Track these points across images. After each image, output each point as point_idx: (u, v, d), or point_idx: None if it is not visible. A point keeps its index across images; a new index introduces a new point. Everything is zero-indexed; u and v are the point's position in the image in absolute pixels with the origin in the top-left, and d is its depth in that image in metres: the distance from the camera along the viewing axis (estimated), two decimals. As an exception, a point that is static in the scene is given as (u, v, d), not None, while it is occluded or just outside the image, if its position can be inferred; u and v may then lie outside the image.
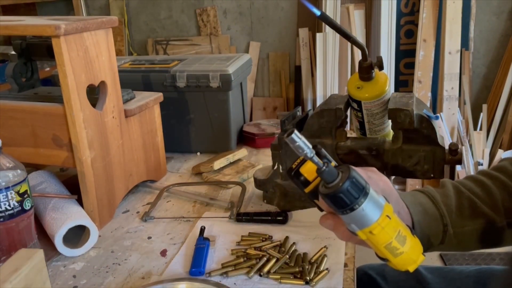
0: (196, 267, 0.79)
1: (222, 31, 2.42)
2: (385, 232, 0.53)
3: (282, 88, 2.46)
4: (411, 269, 0.56)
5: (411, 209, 0.64)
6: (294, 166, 0.60)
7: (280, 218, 0.94)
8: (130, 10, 2.53)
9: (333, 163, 0.55)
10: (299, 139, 0.51)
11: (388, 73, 2.25)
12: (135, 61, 1.44)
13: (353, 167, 0.53)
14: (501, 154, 2.31)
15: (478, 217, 0.66)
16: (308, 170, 0.59)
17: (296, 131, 0.51)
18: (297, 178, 0.59)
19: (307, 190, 0.59)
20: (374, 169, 0.64)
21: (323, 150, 0.55)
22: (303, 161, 0.60)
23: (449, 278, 0.95)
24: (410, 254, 0.55)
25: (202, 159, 1.32)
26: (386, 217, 0.53)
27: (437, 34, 2.12)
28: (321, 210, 0.61)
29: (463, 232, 0.66)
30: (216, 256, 0.85)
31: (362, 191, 0.52)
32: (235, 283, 0.77)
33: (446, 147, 0.84)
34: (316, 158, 0.52)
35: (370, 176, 0.61)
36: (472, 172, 2.19)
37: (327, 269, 0.78)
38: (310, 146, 0.52)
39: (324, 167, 0.52)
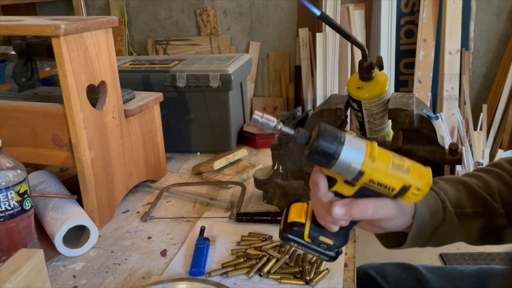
0: (196, 267, 0.79)
1: (222, 31, 2.42)
2: (382, 151, 0.54)
3: (282, 88, 2.45)
4: (430, 180, 0.55)
5: None
6: (281, 227, 0.61)
7: (280, 218, 0.94)
8: (130, 10, 2.53)
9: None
10: (260, 117, 0.53)
11: (388, 73, 2.25)
12: (135, 61, 1.44)
13: (323, 123, 0.55)
14: (501, 154, 2.31)
15: (476, 199, 0.67)
16: (295, 212, 0.61)
17: (256, 111, 0.53)
18: (292, 233, 0.60)
19: (306, 238, 0.60)
20: None
21: (286, 123, 0.58)
22: (286, 213, 0.62)
23: (449, 277, 0.95)
24: (416, 166, 0.55)
25: (202, 159, 1.32)
26: (374, 142, 0.54)
27: (437, 34, 2.12)
28: (338, 246, 0.61)
29: (463, 214, 0.66)
30: (216, 256, 0.85)
31: (338, 134, 0.53)
32: (235, 283, 0.77)
33: (446, 147, 0.84)
34: (285, 128, 0.53)
35: None
36: (472, 172, 2.18)
37: (327, 269, 0.78)
38: (275, 120, 0.53)
39: (295, 132, 0.54)
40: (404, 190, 0.55)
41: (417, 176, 0.55)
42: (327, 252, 0.61)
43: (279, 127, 0.53)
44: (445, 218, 0.65)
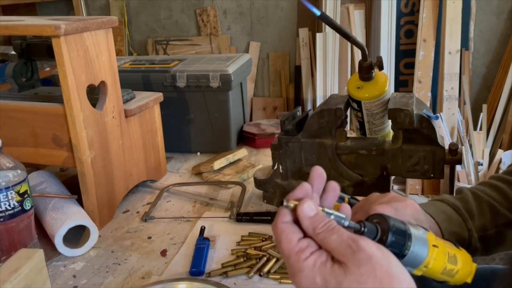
0: (196, 267, 0.79)
1: (222, 31, 2.42)
2: (438, 261, 0.53)
3: (282, 88, 2.46)
4: (469, 280, 0.57)
5: (436, 218, 0.65)
6: None
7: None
8: (130, 10, 2.53)
9: (347, 198, 0.55)
10: (330, 215, 0.48)
11: (388, 73, 2.25)
12: (135, 61, 1.44)
13: (385, 214, 0.52)
14: (501, 154, 2.30)
15: (499, 220, 0.67)
16: None
17: (326, 209, 0.48)
18: None
19: None
20: (393, 194, 0.63)
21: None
22: None
23: None
24: (464, 269, 0.56)
25: (202, 159, 1.32)
26: (433, 247, 0.53)
27: (437, 34, 2.12)
28: None
29: (487, 236, 0.67)
30: (216, 256, 0.85)
31: (406, 236, 0.51)
32: (235, 283, 0.77)
33: (446, 147, 0.84)
34: (352, 223, 0.49)
35: (397, 208, 0.60)
36: (472, 172, 2.19)
37: (327, 269, 0.78)
38: (343, 216, 0.49)
39: (362, 228, 0.50)
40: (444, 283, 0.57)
41: (462, 277, 0.56)
42: None
43: (346, 224, 0.48)
44: (470, 246, 0.66)
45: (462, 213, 0.67)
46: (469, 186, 0.76)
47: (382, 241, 0.50)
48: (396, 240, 0.50)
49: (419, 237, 0.53)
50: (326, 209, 0.48)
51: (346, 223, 0.48)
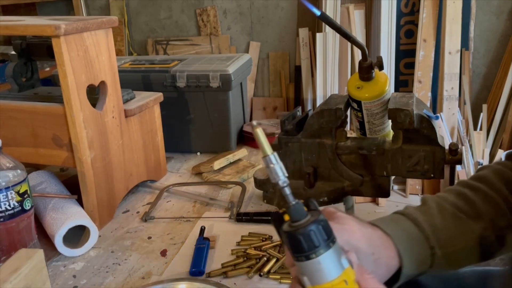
0: (196, 267, 0.79)
1: (222, 31, 2.42)
2: None
3: (282, 88, 2.46)
4: None
5: (395, 239, 0.59)
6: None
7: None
8: (130, 10, 2.53)
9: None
10: (276, 161, 0.44)
11: (388, 73, 2.25)
12: (135, 61, 1.44)
13: (325, 216, 0.47)
14: (501, 154, 2.30)
15: (466, 234, 0.63)
16: None
17: (275, 154, 0.45)
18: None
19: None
20: (341, 215, 0.57)
21: (314, 201, 0.49)
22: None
23: (448, 278, 0.95)
24: None
25: (202, 159, 1.32)
26: (344, 281, 0.46)
27: (437, 34, 2.11)
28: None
29: (453, 252, 0.63)
30: (216, 256, 0.85)
31: (326, 241, 0.45)
32: (235, 283, 0.77)
33: (446, 147, 0.84)
34: (288, 190, 0.46)
35: (344, 228, 0.54)
36: (472, 172, 2.19)
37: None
38: (286, 174, 0.45)
39: (293, 202, 0.46)
40: None
41: None
42: None
43: (283, 184, 0.45)
44: (433, 264, 0.62)
45: (424, 230, 0.62)
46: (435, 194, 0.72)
47: (300, 226, 0.45)
48: (313, 234, 0.44)
49: (338, 257, 0.46)
50: (275, 155, 0.45)
51: (283, 184, 0.45)
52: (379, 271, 0.57)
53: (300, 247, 0.45)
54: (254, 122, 0.45)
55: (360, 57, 0.84)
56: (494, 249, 0.64)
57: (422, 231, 0.62)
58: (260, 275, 0.78)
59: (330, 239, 0.46)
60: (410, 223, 0.63)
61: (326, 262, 0.45)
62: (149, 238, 0.94)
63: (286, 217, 0.48)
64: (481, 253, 0.64)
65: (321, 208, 0.51)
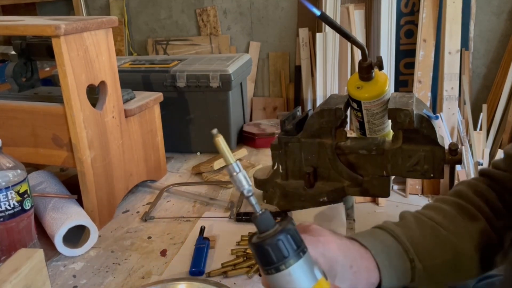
0: (196, 267, 0.79)
1: (222, 31, 2.42)
2: None
3: (282, 88, 2.46)
4: None
5: (373, 250, 0.58)
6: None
7: (280, 218, 0.94)
8: (130, 10, 2.53)
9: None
10: (239, 170, 0.43)
11: (388, 73, 2.25)
12: (135, 61, 1.44)
13: (294, 225, 0.45)
14: (501, 154, 2.30)
15: (445, 246, 0.62)
16: None
17: (238, 162, 0.44)
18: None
19: None
20: (315, 228, 0.55)
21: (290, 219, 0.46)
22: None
23: None
24: None
25: (202, 159, 1.32)
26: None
27: (437, 34, 2.11)
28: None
29: (433, 265, 0.61)
30: (216, 256, 0.85)
31: (295, 250, 0.42)
32: (235, 283, 0.77)
33: (446, 147, 0.84)
34: (253, 199, 0.44)
35: (305, 239, 0.50)
36: (471, 172, 2.19)
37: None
38: (250, 183, 0.43)
39: (260, 212, 0.44)
40: None
41: None
42: None
43: (247, 194, 0.44)
44: (414, 278, 0.60)
45: (403, 242, 0.60)
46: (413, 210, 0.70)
47: (267, 237, 0.42)
48: (282, 244, 0.42)
49: (309, 268, 0.44)
50: (238, 163, 0.44)
51: (248, 193, 0.44)
52: (359, 285, 0.55)
53: (268, 258, 0.42)
54: (214, 131, 0.43)
55: (360, 57, 0.84)
56: (473, 264, 0.63)
57: (400, 243, 0.61)
58: (260, 275, 0.78)
59: (300, 248, 0.43)
60: (389, 235, 0.62)
61: (297, 274, 0.42)
62: (149, 238, 0.94)
63: None
64: (464, 269, 0.63)
65: (297, 223, 0.49)
